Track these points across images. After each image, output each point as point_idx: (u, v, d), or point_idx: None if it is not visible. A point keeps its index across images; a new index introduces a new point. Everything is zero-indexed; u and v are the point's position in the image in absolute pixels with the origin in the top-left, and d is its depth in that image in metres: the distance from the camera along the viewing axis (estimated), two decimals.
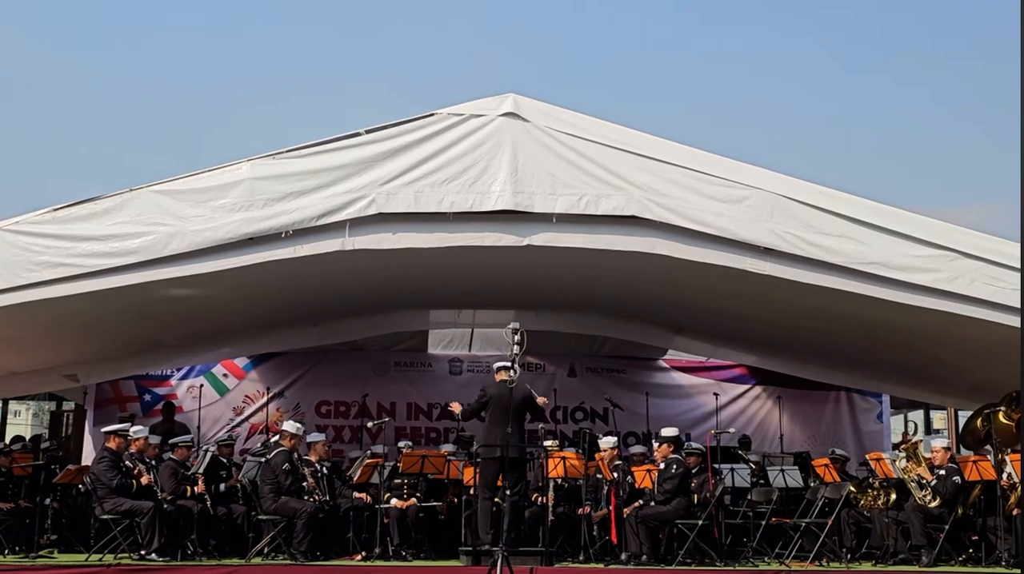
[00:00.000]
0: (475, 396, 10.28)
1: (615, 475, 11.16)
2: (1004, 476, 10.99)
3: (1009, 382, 11.77)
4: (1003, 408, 11.88)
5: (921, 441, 12.20)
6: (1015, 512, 10.75)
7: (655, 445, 11.06)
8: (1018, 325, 9.66)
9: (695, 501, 10.69)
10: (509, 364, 9.82)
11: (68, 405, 16.67)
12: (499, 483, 9.67)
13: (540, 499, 10.84)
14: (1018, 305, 9.62)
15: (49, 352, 11.67)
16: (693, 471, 11.08)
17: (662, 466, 10.57)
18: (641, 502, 10.69)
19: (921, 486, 10.90)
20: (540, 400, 10.28)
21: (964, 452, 12.88)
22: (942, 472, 10.94)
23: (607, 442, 11.68)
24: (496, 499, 9.81)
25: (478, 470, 10.01)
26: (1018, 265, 9.69)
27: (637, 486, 10.99)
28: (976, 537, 10.95)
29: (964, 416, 13.96)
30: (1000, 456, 11.15)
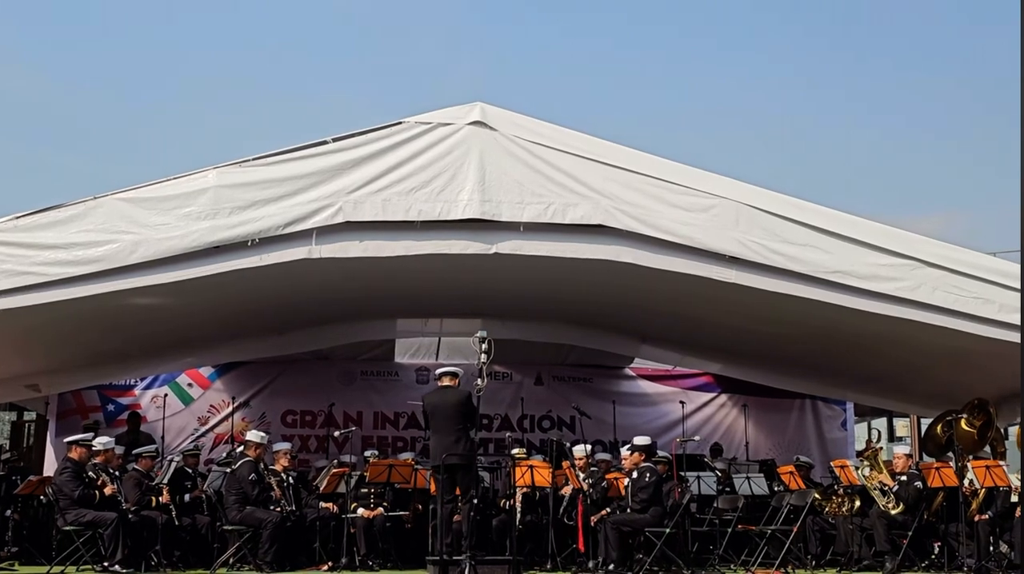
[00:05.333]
0: None
1: (589, 481, 11.17)
2: (966, 482, 11.11)
3: (971, 389, 11.93)
4: (965, 415, 12.02)
5: (882, 448, 12.33)
6: (977, 518, 10.88)
7: (624, 453, 11.08)
8: (984, 334, 9.82)
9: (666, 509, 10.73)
10: (452, 370, 9.82)
11: (30, 415, 16.48)
12: (457, 492, 9.63)
13: (507, 503, 10.82)
14: (979, 314, 9.79)
15: (10, 362, 11.52)
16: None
17: (635, 475, 10.58)
18: (609, 510, 10.71)
19: (884, 493, 11.01)
20: None
21: (927, 459, 13.02)
22: (903, 478, 11.07)
23: (581, 450, 11.71)
24: (462, 509, 9.76)
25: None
26: (979, 274, 9.85)
27: (610, 494, 11.01)
28: (939, 543, 11.07)
29: (927, 423, 14.11)
30: (961, 463, 11.27)
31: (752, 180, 9.99)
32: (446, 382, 9.81)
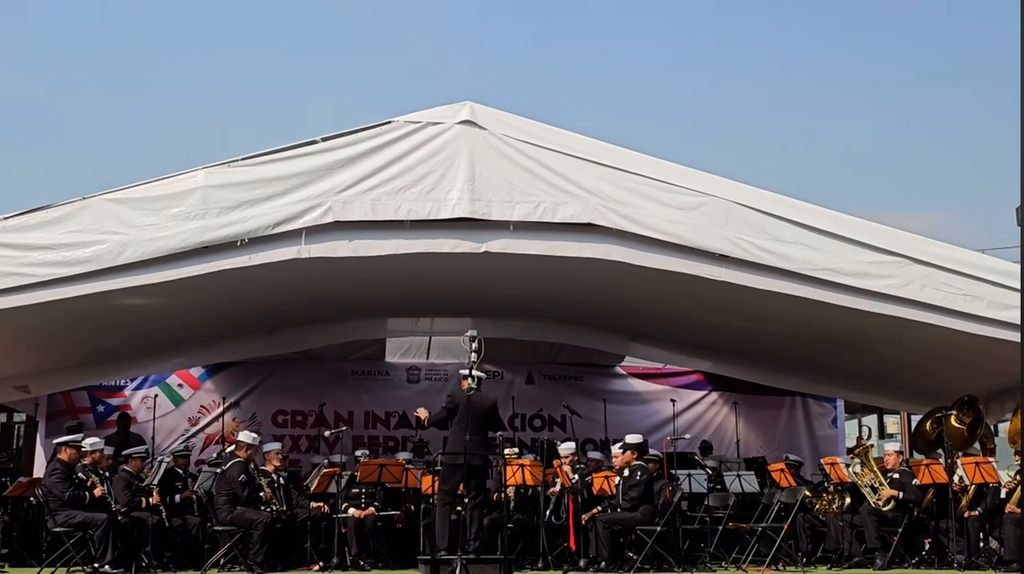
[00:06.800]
0: (437, 404, 10.16)
1: (575, 478, 11.17)
2: (955, 479, 11.15)
3: (960, 385, 11.97)
4: (954, 412, 12.05)
5: (872, 445, 12.36)
6: (966, 514, 10.92)
7: (616, 451, 11.08)
8: (973, 331, 9.85)
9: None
10: (480, 375, 9.75)
11: (19, 416, 16.42)
12: (460, 491, 9.61)
13: (500, 496, 10.83)
14: (968, 311, 9.82)
15: None
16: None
17: (626, 473, 10.59)
18: (600, 508, 10.72)
19: (874, 490, 11.04)
20: None
21: (917, 456, 13.06)
22: (895, 475, 11.11)
23: (566, 448, 11.72)
24: (458, 508, 9.77)
25: (438, 477, 9.93)
26: (968, 271, 9.89)
27: (595, 492, 11.02)
28: (929, 539, 11.11)
29: (917, 420, 14.15)
30: (951, 459, 11.31)
31: (743, 178, 10.03)
32: (470, 382, 9.70)
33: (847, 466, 11.47)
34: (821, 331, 11.24)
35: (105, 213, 9.30)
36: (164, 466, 11.12)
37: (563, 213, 9.56)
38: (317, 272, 10.04)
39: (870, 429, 17.63)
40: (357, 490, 11.19)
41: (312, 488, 11.47)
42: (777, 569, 10.70)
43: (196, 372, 15.27)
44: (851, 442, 16.63)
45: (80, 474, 10.20)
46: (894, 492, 10.94)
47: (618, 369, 16.31)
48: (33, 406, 14.66)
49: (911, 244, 9.95)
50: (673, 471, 11.65)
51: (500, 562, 9.37)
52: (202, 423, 15.25)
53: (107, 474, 10.71)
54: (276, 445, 11.86)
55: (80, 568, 9.81)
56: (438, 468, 9.92)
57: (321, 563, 10.55)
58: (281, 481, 11.28)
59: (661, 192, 9.69)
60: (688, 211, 9.69)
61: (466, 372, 9.84)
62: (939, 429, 12.17)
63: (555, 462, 11.57)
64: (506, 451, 11.80)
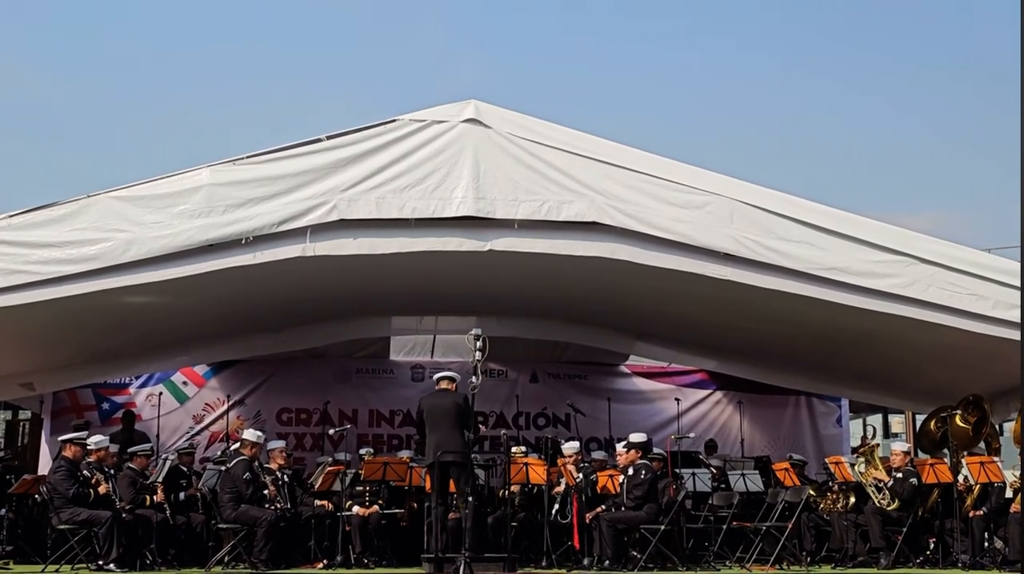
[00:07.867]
0: None
1: (579, 477, 11.17)
2: (960, 478, 11.13)
3: (965, 385, 11.94)
4: (959, 411, 12.03)
5: (878, 445, 12.33)
6: (971, 514, 10.90)
7: (620, 450, 11.08)
8: (978, 331, 9.83)
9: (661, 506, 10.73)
10: (450, 375, 9.80)
11: (24, 414, 16.42)
12: (451, 489, 9.62)
13: (505, 493, 10.83)
14: (974, 310, 9.79)
15: (4, 360, 11.50)
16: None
17: (631, 472, 10.59)
18: (604, 507, 10.72)
19: (879, 489, 11.02)
20: None
21: (922, 455, 13.04)
22: (899, 474, 11.08)
23: (570, 447, 11.72)
24: (460, 507, 9.75)
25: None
26: (973, 271, 9.86)
27: (599, 490, 11.01)
28: (934, 539, 11.09)
29: (922, 419, 14.12)
30: (956, 459, 11.29)
31: (746, 177, 10.01)
32: (444, 386, 9.80)
33: (852, 465, 11.46)
34: (826, 330, 11.23)
35: (110, 211, 9.30)
36: (168, 464, 11.15)
37: (568, 212, 9.55)
38: (321, 270, 10.04)
39: (875, 428, 17.57)
40: (361, 488, 11.19)
41: (316, 486, 11.49)
42: (781, 568, 10.69)
43: (201, 370, 15.29)
44: (856, 441, 16.59)
45: (85, 471, 10.22)
46: (886, 477, 10.92)
47: (622, 368, 16.30)
48: (38, 403, 14.70)
49: (917, 243, 9.93)
50: (677, 470, 11.64)
51: (504, 560, 9.39)
52: (206, 421, 15.28)
53: (111, 471, 10.74)
54: (280, 443, 11.86)
55: (84, 565, 9.83)
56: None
57: (325, 561, 10.56)
58: (285, 479, 11.28)
59: (666, 191, 9.68)
60: (693, 210, 9.67)
61: (440, 376, 9.92)
62: (944, 429, 12.15)
63: (559, 461, 11.57)
64: (513, 450, 11.82)
